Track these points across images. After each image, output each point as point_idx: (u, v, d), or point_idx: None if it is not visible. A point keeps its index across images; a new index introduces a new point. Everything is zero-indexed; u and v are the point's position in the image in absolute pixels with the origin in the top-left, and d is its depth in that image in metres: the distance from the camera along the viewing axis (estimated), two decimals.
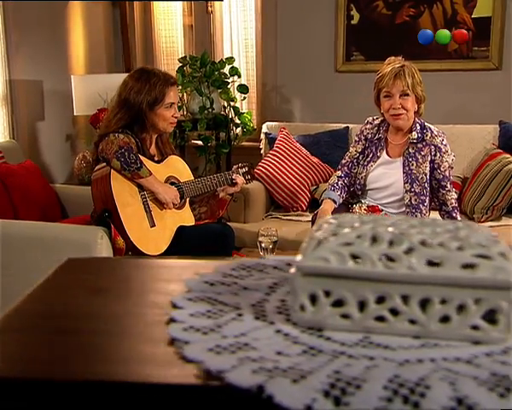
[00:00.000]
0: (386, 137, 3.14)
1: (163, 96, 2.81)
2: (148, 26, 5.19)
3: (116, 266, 0.66)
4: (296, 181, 3.80)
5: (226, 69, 4.39)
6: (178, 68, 4.34)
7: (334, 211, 3.08)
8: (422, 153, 3.04)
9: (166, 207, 2.81)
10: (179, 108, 4.30)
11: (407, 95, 2.97)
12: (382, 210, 2.70)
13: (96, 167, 2.72)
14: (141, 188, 2.75)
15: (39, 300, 0.57)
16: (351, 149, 3.26)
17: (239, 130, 4.41)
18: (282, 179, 3.77)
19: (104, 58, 4.99)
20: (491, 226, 3.44)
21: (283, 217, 3.73)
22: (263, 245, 2.64)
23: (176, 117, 2.91)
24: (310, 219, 3.67)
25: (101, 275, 0.62)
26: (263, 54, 4.92)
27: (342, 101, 4.72)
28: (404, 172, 3.05)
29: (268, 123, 4.33)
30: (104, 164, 2.70)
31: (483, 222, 3.53)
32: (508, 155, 3.63)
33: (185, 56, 4.44)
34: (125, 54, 4.87)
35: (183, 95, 4.32)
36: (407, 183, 3.04)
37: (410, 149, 3.06)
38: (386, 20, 4.61)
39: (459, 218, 3.14)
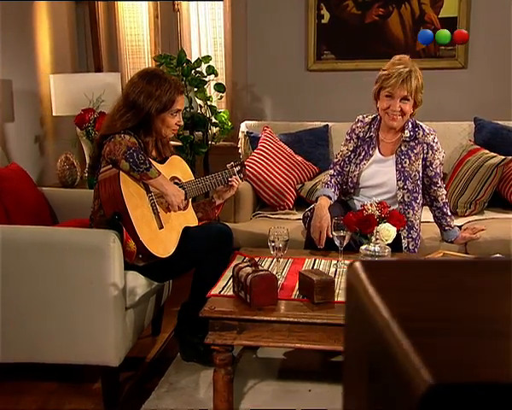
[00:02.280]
0: (377, 135, 3.19)
1: (172, 103, 2.79)
2: (112, 24, 5.08)
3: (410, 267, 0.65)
4: (283, 180, 3.81)
5: (201, 68, 4.36)
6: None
7: (330, 208, 3.11)
8: (415, 151, 3.12)
9: (171, 210, 2.78)
10: None
11: (407, 100, 3.02)
12: (390, 206, 2.75)
13: (103, 169, 2.65)
14: (148, 189, 2.70)
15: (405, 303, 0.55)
16: (342, 147, 3.30)
17: (216, 129, 4.38)
18: (269, 178, 3.77)
19: (69, 57, 4.86)
20: (476, 220, 3.55)
21: (272, 216, 3.73)
22: (274, 245, 2.64)
23: (179, 125, 2.88)
24: (298, 217, 3.69)
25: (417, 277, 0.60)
26: (233, 53, 4.90)
27: (314, 99, 4.77)
28: (397, 170, 3.12)
29: (246, 122, 4.33)
30: (110, 166, 2.63)
31: (467, 216, 3.65)
32: (486, 151, 3.75)
33: (161, 55, 4.37)
34: (94, 53, 4.75)
35: None
36: (400, 180, 3.11)
37: (402, 147, 3.13)
38: (355, 19, 4.68)
39: (449, 213, 3.23)
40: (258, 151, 3.89)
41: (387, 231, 2.53)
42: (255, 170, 3.78)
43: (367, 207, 2.64)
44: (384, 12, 4.65)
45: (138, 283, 2.69)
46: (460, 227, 3.36)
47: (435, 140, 3.14)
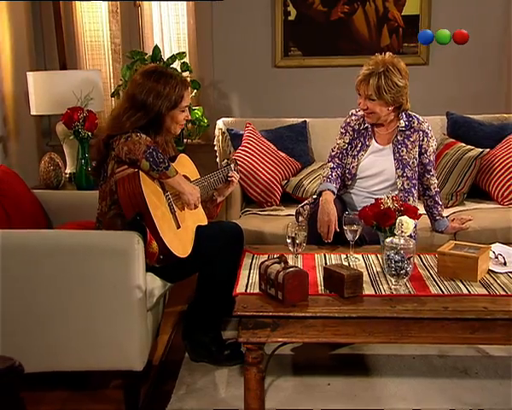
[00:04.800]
0: (372, 127, 3.27)
1: (181, 99, 2.76)
2: (69, 19, 4.90)
3: None
4: (269, 176, 3.81)
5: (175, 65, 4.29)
6: (130, 64, 4.19)
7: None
8: (411, 139, 3.21)
9: (187, 208, 2.74)
10: None
11: (373, 99, 3.11)
12: (401, 200, 2.81)
13: (119, 169, 2.57)
14: (164, 189, 2.65)
15: None
16: (338, 140, 3.35)
17: (191, 126, 4.33)
18: (256, 175, 3.76)
19: (27, 55, 4.66)
20: (460, 211, 3.68)
21: (261, 212, 3.73)
22: (295, 240, 2.65)
23: (187, 119, 2.85)
24: (287, 213, 3.72)
25: None
26: (198, 49, 4.85)
27: (281, 96, 4.80)
28: (395, 159, 3.21)
29: (224, 119, 4.29)
30: (125, 166, 2.56)
31: (449, 207, 3.77)
32: (463, 144, 3.90)
33: (134, 51, 4.28)
34: (59, 50, 4.58)
35: None
36: (399, 168, 3.20)
37: (398, 137, 3.22)
38: (321, 16, 4.74)
39: (440, 202, 3.34)
40: (244, 148, 3.88)
41: (406, 224, 2.58)
42: (243, 167, 3.76)
43: (384, 201, 2.69)
44: (349, 9, 4.74)
45: (156, 284, 2.65)
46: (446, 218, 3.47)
47: (429, 128, 3.25)
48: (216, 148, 4.24)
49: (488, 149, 3.83)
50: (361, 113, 3.33)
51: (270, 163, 3.86)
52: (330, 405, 2.60)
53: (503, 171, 3.78)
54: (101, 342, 2.47)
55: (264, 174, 3.80)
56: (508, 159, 3.80)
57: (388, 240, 2.51)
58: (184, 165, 2.88)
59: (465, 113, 4.35)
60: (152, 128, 2.70)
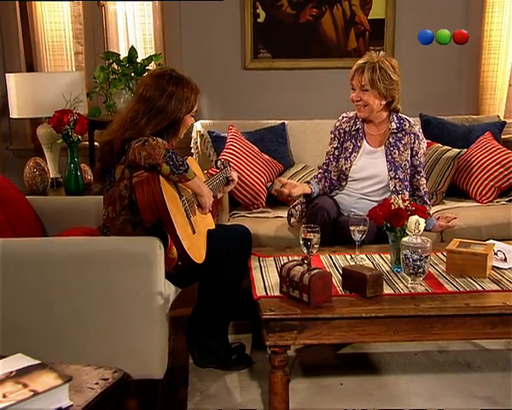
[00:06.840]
0: (363, 128, 3.33)
1: (195, 103, 2.77)
2: (30, 18, 4.72)
3: None
4: (255, 178, 3.79)
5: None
6: (107, 65, 4.08)
7: (323, 200, 3.23)
8: (403, 141, 3.29)
9: (202, 212, 2.71)
10: (108, 107, 4.07)
11: (366, 90, 3.19)
12: (408, 199, 2.87)
13: (136, 173, 2.49)
14: (180, 193, 2.60)
15: None
16: (328, 147, 3.40)
17: None
18: (243, 178, 3.72)
19: None
20: (442, 210, 3.78)
21: (248, 215, 3.71)
22: (311, 242, 2.64)
23: (191, 124, 2.83)
24: (275, 215, 3.72)
25: None
26: (166, 50, 4.78)
27: (251, 98, 4.79)
28: (387, 161, 3.28)
29: (201, 121, 4.24)
30: (142, 170, 2.48)
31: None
32: (440, 145, 4.01)
33: (109, 52, 4.18)
34: (26, 51, 4.41)
35: (111, 94, 4.04)
36: (391, 170, 3.27)
37: (390, 139, 3.29)
38: (290, 18, 4.77)
39: (428, 202, 3.43)
40: (229, 150, 3.84)
41: (420, 224, 2.63)
42: None
43: (395, 201, 2.73)
44: (317, 12, 4.78)
45: (171, 290, 2.60)
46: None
47: (420, 130, 3.34)
48: (193, 150, 4.17)
49: (465, 149, 3.95)
50: (352, 114, 3.38)
51: (255, 165, 3.85)
52: (349, 404, 2.61)
53: (480, 170, 3.91)
54: (122, 351, 2.38)
55: (250, 177, 3.78)
56: (484, 158, 3.94)
57: (405, 239, 2.55)
58: (194, 168, 2.83)
59: (430, 114, 4.47)
60: (167, 132, 2.65)
